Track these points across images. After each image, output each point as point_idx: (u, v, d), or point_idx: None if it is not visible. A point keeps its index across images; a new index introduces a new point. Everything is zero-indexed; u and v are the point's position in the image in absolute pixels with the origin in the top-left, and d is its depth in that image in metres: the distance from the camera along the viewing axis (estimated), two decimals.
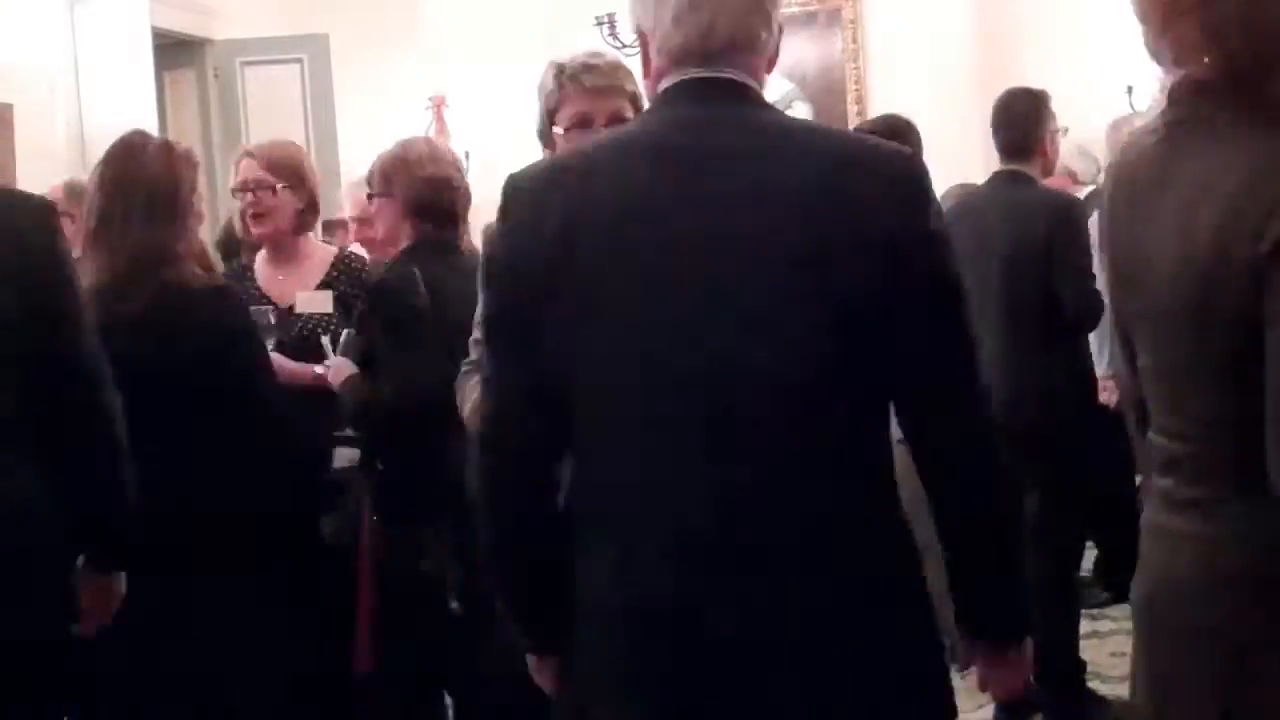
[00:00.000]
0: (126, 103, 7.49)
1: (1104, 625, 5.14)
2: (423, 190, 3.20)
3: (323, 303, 3.29)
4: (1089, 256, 4.13)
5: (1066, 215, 4.04)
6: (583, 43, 8.42)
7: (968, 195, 4.49)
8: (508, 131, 9.87)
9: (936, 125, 8.33)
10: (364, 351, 3.13)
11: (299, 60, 8.95)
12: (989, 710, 4.29)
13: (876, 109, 9.24)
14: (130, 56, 7.64)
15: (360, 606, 3.13)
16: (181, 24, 8.72)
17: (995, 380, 4.15)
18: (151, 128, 7.76)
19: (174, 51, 8.77)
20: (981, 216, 4.20)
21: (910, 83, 8.88)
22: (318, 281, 3.34)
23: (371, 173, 3.30)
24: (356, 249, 4.35)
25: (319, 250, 3.44)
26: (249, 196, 3.33)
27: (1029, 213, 4.06)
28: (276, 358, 3.13)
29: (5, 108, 6.60)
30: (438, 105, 9.94)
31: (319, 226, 5.48)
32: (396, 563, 3.13)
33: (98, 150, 6.80)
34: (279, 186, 3.30)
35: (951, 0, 8.86)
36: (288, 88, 8.87)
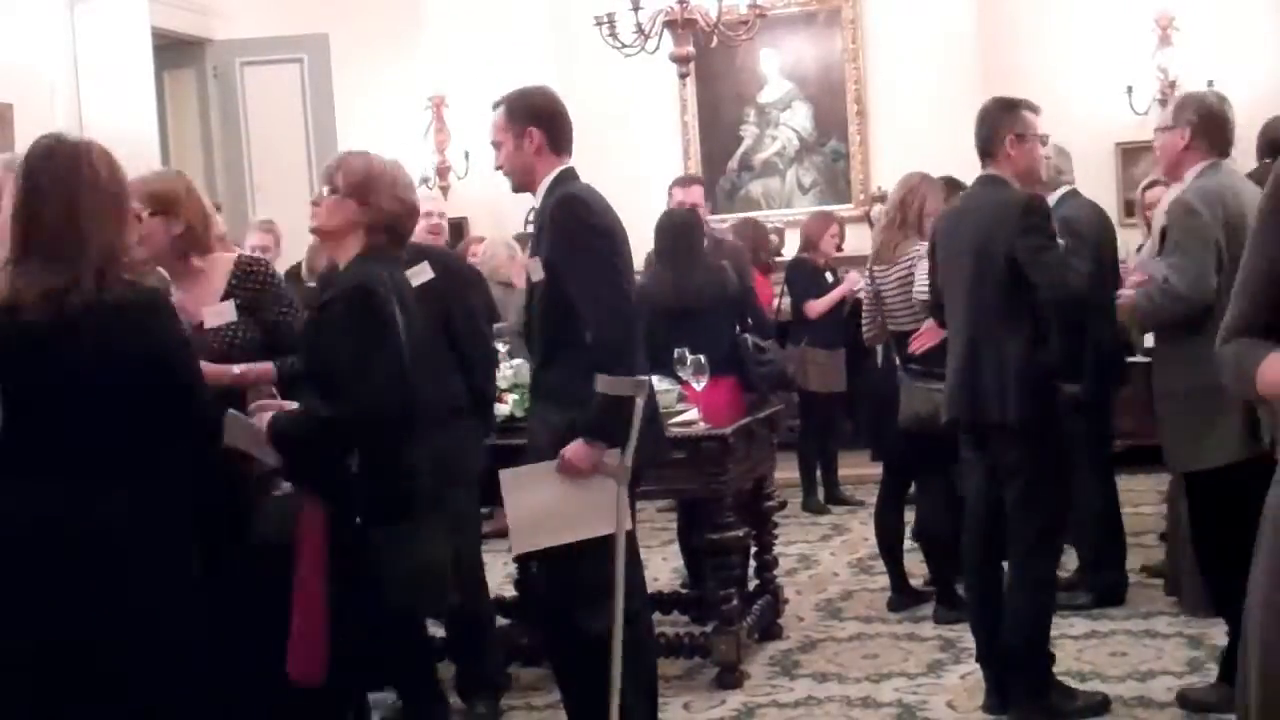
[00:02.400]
0: (126, 103, 7.49)
1: (1104, 625, 5.14)
2: (398, 212, 3.34)
3: (227, 313, 3.46)
4: (1053, 246, 4.18)
5: (1023, 210, 4.14)
6: (583, 43, 8.45)
7: (957, 198, 4.59)
8: None
9: (935, 125, 8.38)
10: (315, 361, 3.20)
11: (299, 60, 8.94)
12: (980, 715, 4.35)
13: (876, 109, 9.26)
14: (130, 56, 7.64)
15: (303, 611, 3.09)
16: (181, 24, 8.73)
17: (963, 374, 4.26)
18: (151, 128, 7.79)
19: (174, 51, 8.77)
20: (960, 219, 4.36)
21: (909, 83, 8.90)
22: (219, 295, 3.50)
23: (337, 169, 3.36)
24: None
25: (218, 264, 3.57)
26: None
27: (993, 215, 4.17)
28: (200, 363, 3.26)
29: (5, 108, 6.60)
30: (437, 105, 9.96)
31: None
32: (357, 565, 3.11)
33: None
34: (145, 214, 3.43)
35: (951, 1, 8.87)
36: (288, 88, 8.87)
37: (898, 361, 5.47)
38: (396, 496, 3.17)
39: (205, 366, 3.21)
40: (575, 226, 3.63)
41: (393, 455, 3.17)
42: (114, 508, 2.75)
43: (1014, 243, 4.09)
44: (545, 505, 3.57)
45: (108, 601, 2.74)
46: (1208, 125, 4.12)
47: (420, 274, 4.38)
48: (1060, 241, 4.27)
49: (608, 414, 3.54)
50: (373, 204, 3.30)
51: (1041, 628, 4.24)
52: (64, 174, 2.83)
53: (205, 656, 2.86)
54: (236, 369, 3.42)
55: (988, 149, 4.25)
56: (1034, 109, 4.28)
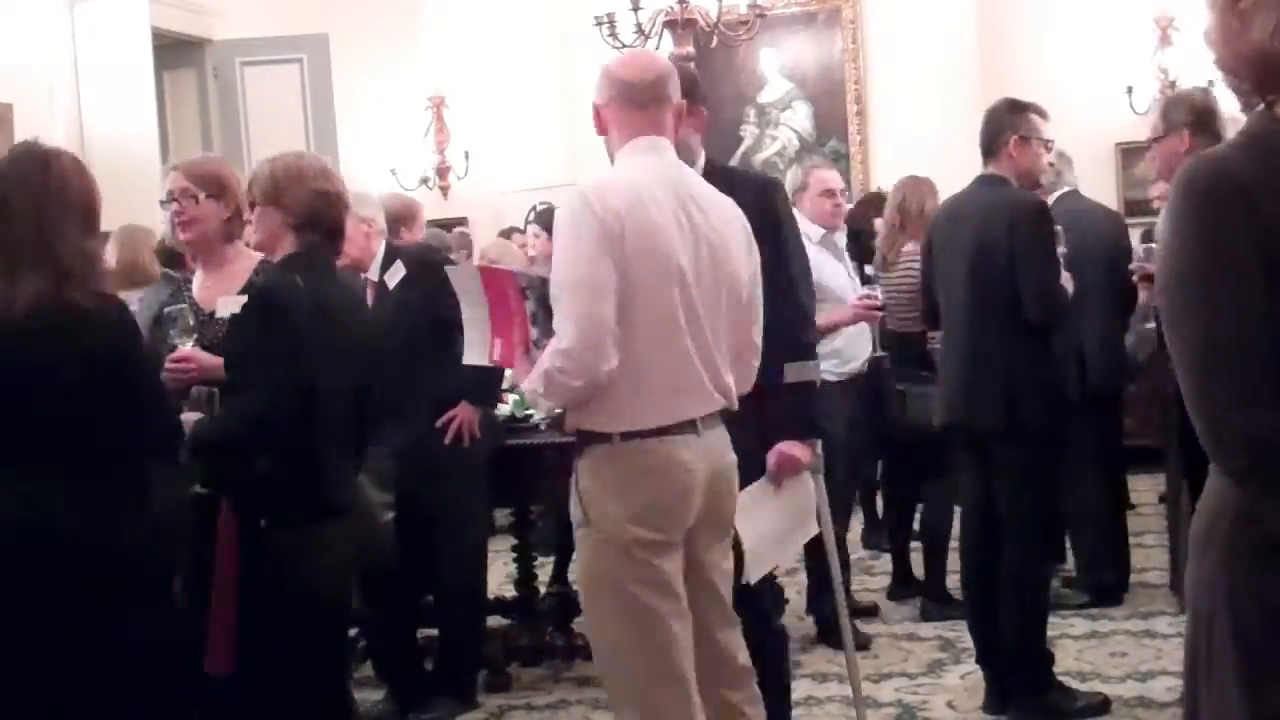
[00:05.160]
0: (126, 103, 7.50)
1: (1104, 625, 5.15)
2: (316, 203, 3.29)
3: (238, 306, 3.45)
4: (1052, 258, 4.18)
5: (1027, 216, 4.13)
6: (583, 43, 8.43)
7: (954, 197, 4.57)
8: (507, 131, 9.92)
9: (936, 125, 8.38)
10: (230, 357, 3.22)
11: (299, 60, 8.94)
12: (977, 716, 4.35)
13: (876, 109, 9.26)
14: (130, 56, 7.65)
15: (216, 606, 3.09)
16: (181, 24, 8.73)
17: (962, 377, 4.25)
18: (151, 128, 7.79)
19: (174, 51, 8.77)
20: (958, 218, 4.35)
21: (909, 83, 8.89)
22: (240, 287, 3.50)
23: (256, 179, 3.39)
24: None
25: (246, 257, 3.59)
26: (175, 205, 3.55)
27: (993, 214, 4.18)
28: (195, 351, 3.30)
29: (5, 108, 6.61)
30: (438, 105, 9.95)
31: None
32: (267, 566, 3.09)
33: (98, 150, 6.81)
34: (201, 196, 3.51)
35: (951, 1, 8.87)
36: (287, 88, 8.87)
37: (888, 364, 5.48)
38: (300, 499, 3.13)
39: (203, 356, 3.27)
40: (786, 211, 3.58)
41: (294, 458, 3.12)
42: (64, 508, 2.77)
43: (1014, 246, 4.10)
44: (769, 521, 3.39)
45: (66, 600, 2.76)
46: (1204, 121, 4.10)
47: (393, 275, 4.41)
48: (1062, 250, 4.27)
49: (809, 404, 3.44)
50: (286, 204, 3.30)
51: (1037, 627, 4.24)
52: (32, 183, 2.85)
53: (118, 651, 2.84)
54: None
55: (990, 147, 4.26)
56: (1043, 114, 4.30)
